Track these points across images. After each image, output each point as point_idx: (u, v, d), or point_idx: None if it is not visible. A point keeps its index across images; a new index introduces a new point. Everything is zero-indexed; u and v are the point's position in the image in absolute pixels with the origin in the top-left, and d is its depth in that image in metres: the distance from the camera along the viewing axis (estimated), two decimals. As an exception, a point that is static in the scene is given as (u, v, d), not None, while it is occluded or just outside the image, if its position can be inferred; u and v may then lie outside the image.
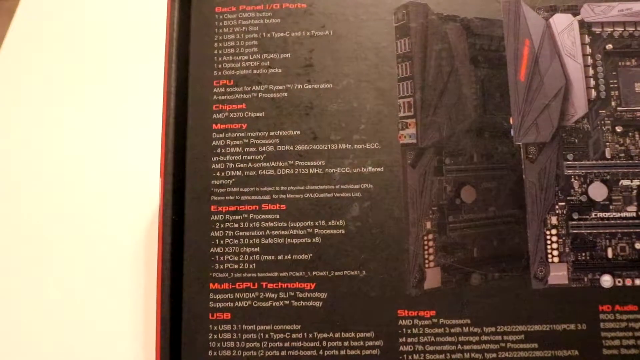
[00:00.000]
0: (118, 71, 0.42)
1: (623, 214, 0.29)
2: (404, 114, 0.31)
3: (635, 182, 0.29)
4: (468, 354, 0.28)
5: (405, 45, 0.31)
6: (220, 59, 0.32)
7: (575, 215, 0.29)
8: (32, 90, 0.41)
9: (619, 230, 0.29)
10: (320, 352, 0.28)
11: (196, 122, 0.31)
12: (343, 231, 0.29)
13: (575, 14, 0.32)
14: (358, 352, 0.28)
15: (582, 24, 0.31)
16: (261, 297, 0.29)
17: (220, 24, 0.32)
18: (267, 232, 0.29)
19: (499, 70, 0.31)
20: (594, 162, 0.30)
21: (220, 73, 0.32)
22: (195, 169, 0.30)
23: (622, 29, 0.31)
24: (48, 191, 0.38)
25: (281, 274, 0.29)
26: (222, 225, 0.30)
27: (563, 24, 0.32)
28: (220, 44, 0.32)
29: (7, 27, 0.43)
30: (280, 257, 0.29)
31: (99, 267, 0.35)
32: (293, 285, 0.29)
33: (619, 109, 0.30)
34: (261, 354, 0.28)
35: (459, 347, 0.28)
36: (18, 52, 0.43)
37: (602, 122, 0.30)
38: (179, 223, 0.30)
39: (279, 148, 0.30)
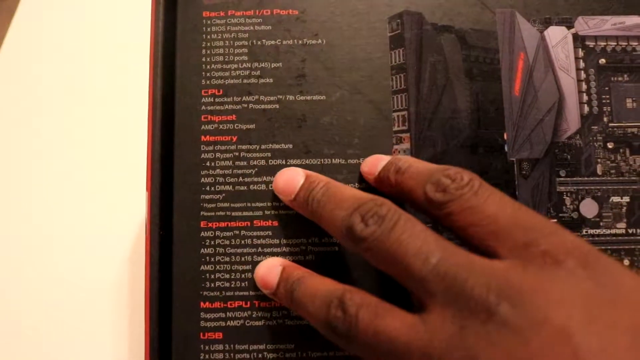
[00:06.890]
0: (120, 71, 0.40)
1: (613, 231, 0.30)
2: (398, 127, 0.30)
3: (625, 199, 0.30)
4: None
5: (400, 56, 0.31)
6: (208, 66, 0.31)
7: (566, 232, 0.30)
8: (32, 90, 0.40)
9: (609, 247, 0.29)
10: (314, 371, 0.28)
11: (184, 133, 0.30)
12: (336, 248, 0.29)
13: (569, 27, 0.31)
14: (352, 371, 0.28)
15: (576, 37, 0.31)
16: (254, 316, 0.28)
17: (208, 29, 0.31)
18: (259, 249, 0.29)
19: (493, 83, 0.31)
20: (586, 178, 0.30)
21: (208, 82, 0.30)
22: (183, 183, 0.29)
23: (615, 43, 0.31)
24: (46, 197, 0.36)
25: (274, 293, 0.28)
26: (212, 242, 0.29)
27: (557, 37, 0.31)
28: (209, 51, 0.31)
29: (7, 27, 0.41)
30: (272, 275, 0.29)
31: (82, 285, 0.34)
32: (286, 304, 0.28)
33: (610, 124, 0.31)
34: (254, 374, 0.28)
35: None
36: (18, 52, 0.41)
37: (594, 138, 0.30)
38: (167, 239, 0.29)
39: (271, 162, 0.30)
